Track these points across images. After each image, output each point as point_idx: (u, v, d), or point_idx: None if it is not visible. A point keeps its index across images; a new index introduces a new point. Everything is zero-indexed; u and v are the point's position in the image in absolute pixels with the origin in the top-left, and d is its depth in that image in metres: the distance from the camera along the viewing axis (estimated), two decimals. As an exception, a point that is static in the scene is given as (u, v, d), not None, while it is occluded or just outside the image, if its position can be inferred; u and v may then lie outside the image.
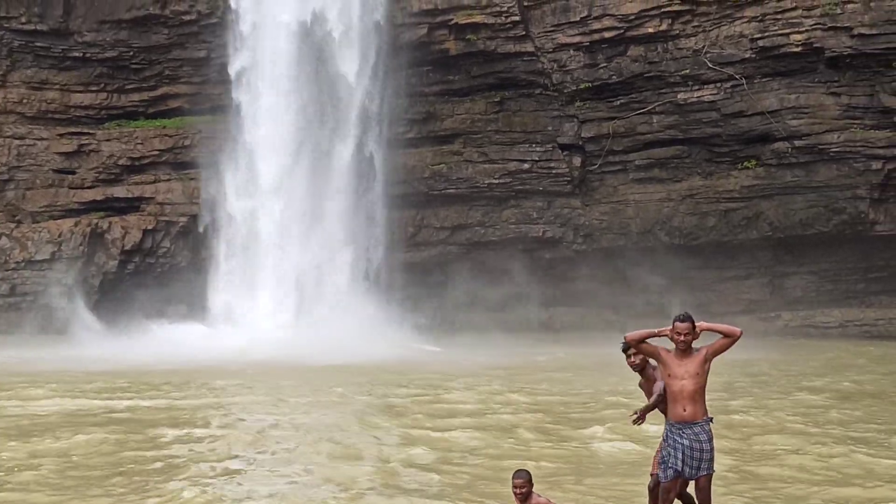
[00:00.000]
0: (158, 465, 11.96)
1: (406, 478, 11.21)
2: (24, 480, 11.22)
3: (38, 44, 34.61)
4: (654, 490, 8.31)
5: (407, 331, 30.38)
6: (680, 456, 7.74)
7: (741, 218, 32.60)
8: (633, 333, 7.97)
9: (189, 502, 9.91)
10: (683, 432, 7.78)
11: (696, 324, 7.52)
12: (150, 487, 10.59)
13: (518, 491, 7.80)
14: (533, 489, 7.94)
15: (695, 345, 7.64)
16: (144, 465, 11.96)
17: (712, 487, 8.02)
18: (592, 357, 24.61)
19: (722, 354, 7.80)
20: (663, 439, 7.88)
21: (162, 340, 29.03)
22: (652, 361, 8.12)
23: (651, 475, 8.44)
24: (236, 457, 12.61)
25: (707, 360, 7.69)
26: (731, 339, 7.55)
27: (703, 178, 33.14)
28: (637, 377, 8.56)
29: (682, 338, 7.55)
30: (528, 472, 7.91)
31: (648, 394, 8.43)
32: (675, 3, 31.22)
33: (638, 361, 8.23)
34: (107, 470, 11.71)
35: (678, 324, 7.60)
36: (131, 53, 34.79)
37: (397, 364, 24.53)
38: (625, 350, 8.21)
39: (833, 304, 32.90)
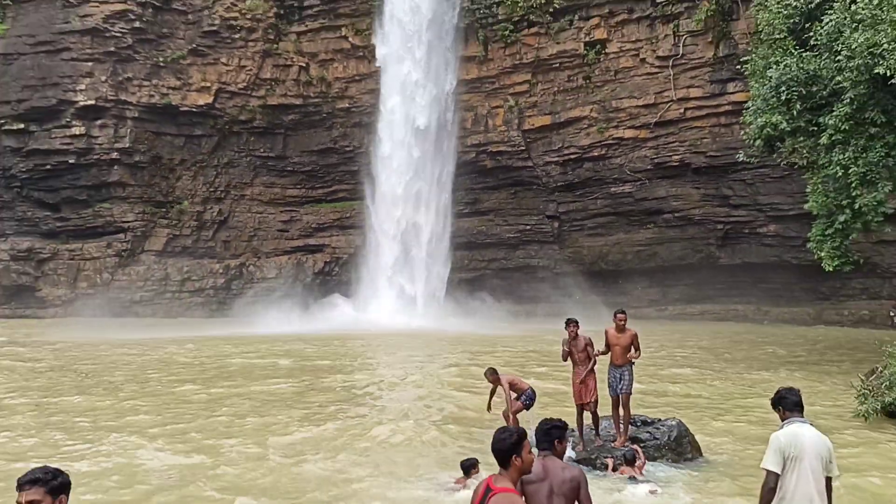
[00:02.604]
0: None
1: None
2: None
3: (270, 163, 41.52)
4: (582, 411, 10.18)
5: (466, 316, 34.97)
6: (615, 384, 10.06)
7: (646, 255, 37.70)
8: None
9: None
10: (617, 370, 10.15)
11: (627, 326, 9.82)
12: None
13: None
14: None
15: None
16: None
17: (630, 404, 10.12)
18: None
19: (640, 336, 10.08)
20: (608, 375, 10.10)
21: (338, 314, 35.68)
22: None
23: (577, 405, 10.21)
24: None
25: (632, 338, 9.97)
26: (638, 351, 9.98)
27: (625, 233, 38.14)
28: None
29: (620, 323, 9.97)
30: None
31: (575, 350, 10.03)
32: (610, 139, 36.78)
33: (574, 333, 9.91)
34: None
35: (618, 314, 10.08)
36: (318, 167, 41.64)
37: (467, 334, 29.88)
38: (566, 323, 10.12)
39: (696, 301, 37.54)
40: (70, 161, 38.75)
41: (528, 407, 10.59)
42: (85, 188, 39.40)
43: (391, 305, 37.20)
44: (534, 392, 10.81)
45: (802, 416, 5.58)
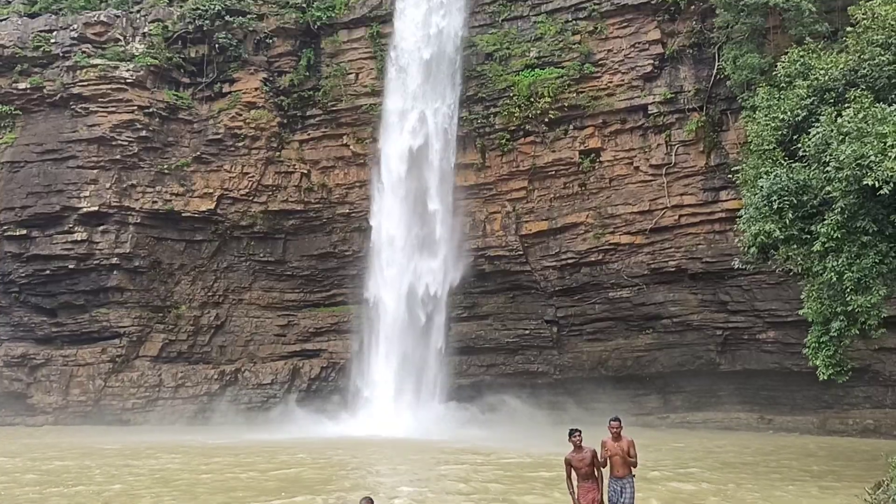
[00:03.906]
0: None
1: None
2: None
3: (269, 267, 41.69)
4: None
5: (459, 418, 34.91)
6: (615, 498, 9.84)
7: (645, 361, 37.11)
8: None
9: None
10: (618, 482, 9.92)
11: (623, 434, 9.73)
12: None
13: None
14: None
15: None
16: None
17: None
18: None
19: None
20: (608, 488, 9.88)
21: (334, 422, 34.90)
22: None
23: None
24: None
25: (629, 446, 9.86)
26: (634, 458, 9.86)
27: (624, 339, 37.55)
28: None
29: (613, 431, 9.96)
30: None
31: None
32: (606, 245, 36.86)
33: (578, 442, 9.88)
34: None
35: (612, 422, 10.07)
36: (317, 272, 41.73)
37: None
38: (570, 434, 10.09)
39: (698, 409, 36.75)
40: (70, 266, 39.12)
41: None
42: (83, 293, 39.55)
43: (388, 412, 36.60)
44: None
45: None
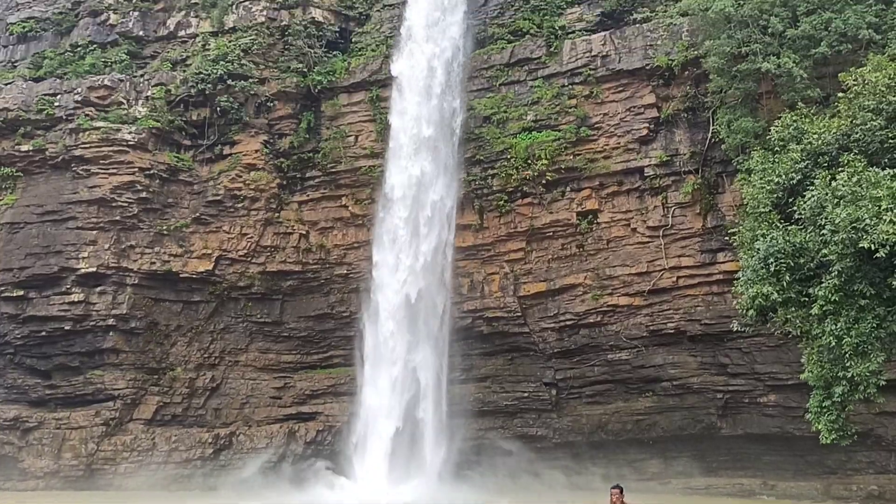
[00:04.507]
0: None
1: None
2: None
3: (266, 329, 41.27)
4: None
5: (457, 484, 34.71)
6: None
7: (645, 425, 36.48)
8: None
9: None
10: None
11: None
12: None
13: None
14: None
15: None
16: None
17: None
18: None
19: None
20: None
21: (330, 488, 34.36)
22: None
23: None
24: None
25: None
26: None
27: (623, 402, 37.00)
28: None
29: (614, 498, 10.23)
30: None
31: None
32: (605, 306, 36.77)
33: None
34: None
35: (613, 489, 10.36)
36: (314, 333, 41.32)
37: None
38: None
39: (701, 474, 35.65)
40: (66, 327, 38.93)
41: None
42: (78, 355, 39.23)
43: (385, 477, 36.33)
44: None
45: None
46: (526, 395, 38.87)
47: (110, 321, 38.69)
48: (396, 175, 39.43)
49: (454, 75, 40.15)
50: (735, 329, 24.84)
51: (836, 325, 17.49)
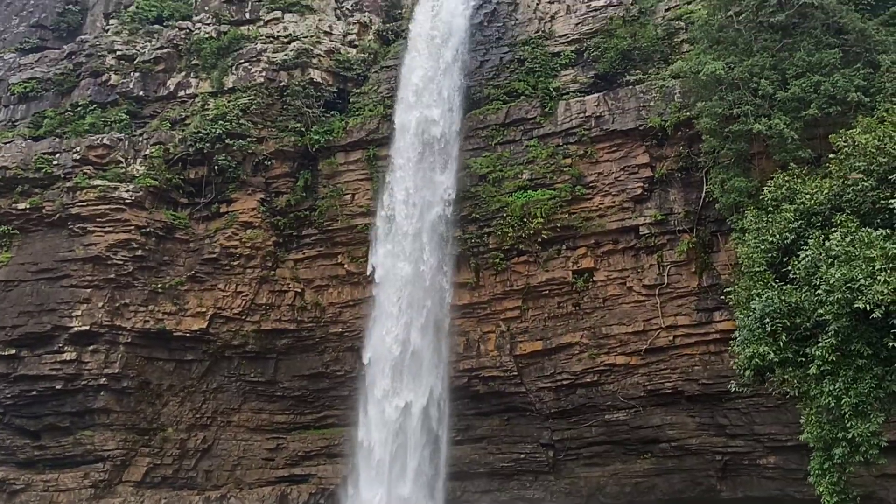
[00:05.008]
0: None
1: None
2: None
3: (259, 388, 41.03)
4: None
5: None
6: None
7: (644, 487, 35.95)
8: None
9: None
10: None
11: None
12: None
13: None
14: None
15: None
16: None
17: None
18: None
19: None
20: None
21: None
22: None
23: None
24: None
25: None
26: None
27: (622, 463, 36.57)
28: None
29: None
30: None
31: None
32: (601, 365, 36.60)
33: None
34: None
35: None
36: (308, 392, 41.07)
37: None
38: None
39: None
40: (57, 387, 38.50)
41: None
42: (68, 415, 38.75)
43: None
44: None
45: None
46: (522, 456, 38.42)
47: (102, 380, 38.34)
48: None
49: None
50: (733, 389, 24.56)
51: (835, 386, 17.39)
